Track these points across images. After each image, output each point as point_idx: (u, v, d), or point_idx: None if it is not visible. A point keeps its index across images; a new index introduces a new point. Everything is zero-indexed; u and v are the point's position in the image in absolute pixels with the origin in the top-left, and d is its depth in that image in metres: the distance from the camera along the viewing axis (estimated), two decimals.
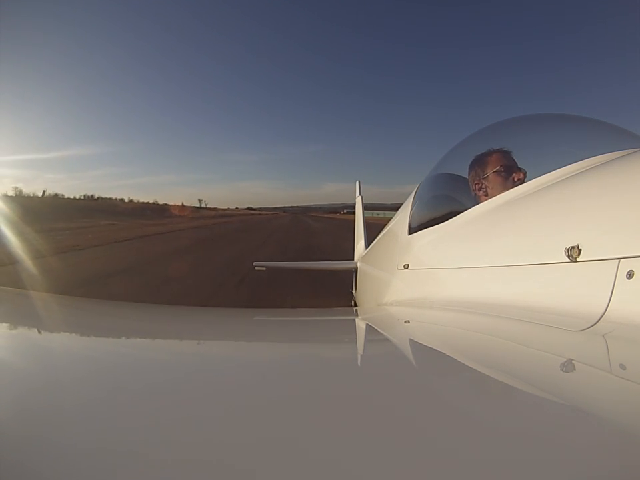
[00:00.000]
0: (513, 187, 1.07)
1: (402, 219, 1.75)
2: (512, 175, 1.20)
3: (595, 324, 0.57)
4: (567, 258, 0.67)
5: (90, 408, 0.37)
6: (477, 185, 1.28)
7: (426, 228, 1.38)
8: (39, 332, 0.73)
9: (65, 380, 0.45)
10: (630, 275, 0.56)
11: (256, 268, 3.90)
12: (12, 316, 0.85)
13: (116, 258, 9.58)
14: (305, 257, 8.48)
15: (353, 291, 3.62)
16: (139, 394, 0.41)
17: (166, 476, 0.26)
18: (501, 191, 1.13)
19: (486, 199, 1.19)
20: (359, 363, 0.60)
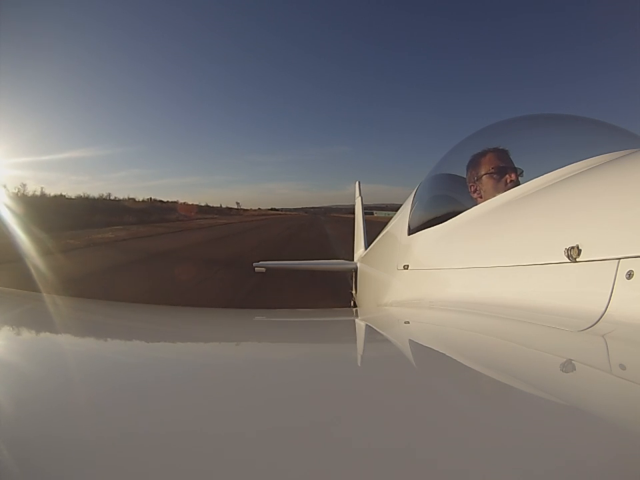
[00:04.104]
0: (509, 186, 1.08)
1: (402, 219, 1.76)
2: (508, 174, 1.19)
3: (594, 324, 0.57)
4: (567, 258, 0.67)
5: (92, 408, 0.37)
6: (473, 185, 1.28)
7: (426, 228, 1.38)
8: (39, 333, 0.74)
9: (65, 380, 0.46)
10: (630, 275, 0.56)
11: (256, 269, 3.80)
12: (12, 316, 0.86)
13: (263, 224, 32.46)
14: (311, 223, 34.44)
15: (353, 292, 3.61)
16: (140, 394, 0.41)
17: (168, 473, 0.27)
18: (497, 191, 1.14)
19: (483, 199, 1.20)
20: (358, 364, 0.60)
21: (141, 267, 8.82)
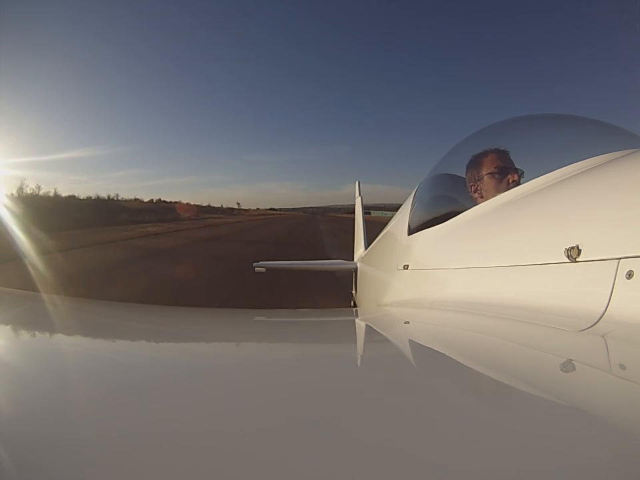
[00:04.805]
0: (509, 187, 1.08)
1: (402, 219, 1.76)
2: (508, 175, 1.19)
3: (594, 324, 0.57)
4: (567, 258, 0.66)
5: (91, 408, 0.37)
6: (474, 186, 1.28)
7: (425, 228, 1.38)
8: (39, 333, 0.74)
9: (65, 380, 0.46)
10: (630, 275, 0.56)
11: (255, 269, 3.76)
12: (12, 316, 0.86)
13: (265, 222, 40.89)
14: (308, 222, 41.85)
15: (353, 292, 3.60)
16: (140, 395, 0.41)
17: (167, 473, 0.27)
18: (498, 191, 1.14)
19: (483, 200, 1.19)
20: (358, 364, 0.60)
21: (207, 244, 14.70)
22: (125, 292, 5.64)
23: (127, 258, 10.01)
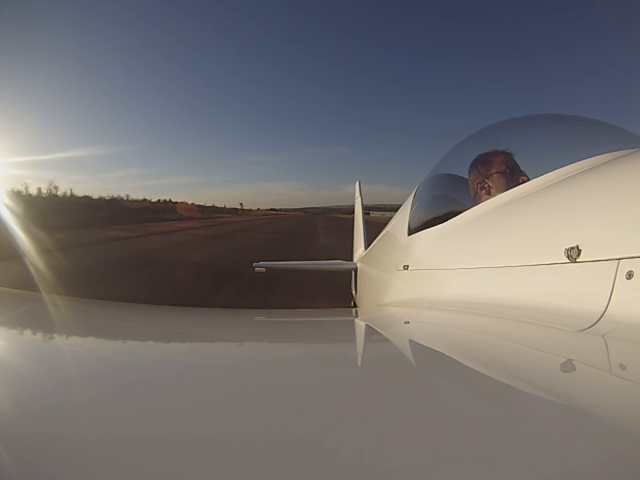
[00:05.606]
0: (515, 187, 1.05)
1: (402, 219, 1.76)
2: (512, 177, 1.19)
3: (594, 324, 0.57)
4: (567, 258, 0.66)
5: (92, 408, 0.37)
6: (477, 186, 1.27)
7: (426, 229, 1.38)
8: (39, 333, 0.74)
9: (65, 380, 0.46)
10: (629, 275, 0.56)
11: (255, 269, 3.76)
12: (12, 316, 0.86)
13: (270, 221, 45.47)
14: (308, 221, 46.86)
15: (353, 292, 3.60)
16: (140, 395, 0.41)
17: (167, 474, 0.27)
18: (501, 192, 1.13)
19: (485, 200, 1.18)
20: (359, 364, 0.60)
21: (238, 233, 19.66)
22: (226, 253, 10.23)
23: (196, 240, 14.86)
